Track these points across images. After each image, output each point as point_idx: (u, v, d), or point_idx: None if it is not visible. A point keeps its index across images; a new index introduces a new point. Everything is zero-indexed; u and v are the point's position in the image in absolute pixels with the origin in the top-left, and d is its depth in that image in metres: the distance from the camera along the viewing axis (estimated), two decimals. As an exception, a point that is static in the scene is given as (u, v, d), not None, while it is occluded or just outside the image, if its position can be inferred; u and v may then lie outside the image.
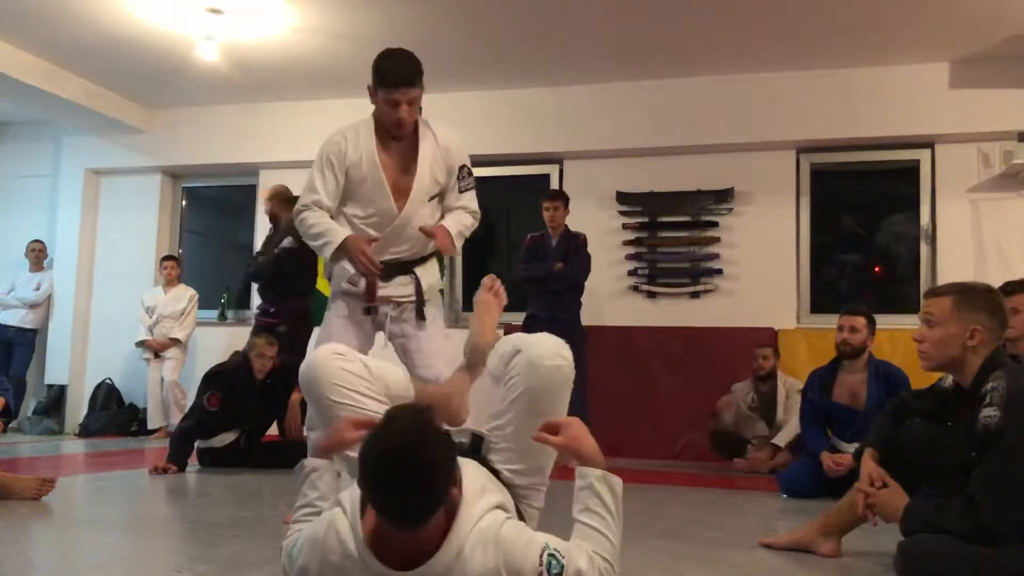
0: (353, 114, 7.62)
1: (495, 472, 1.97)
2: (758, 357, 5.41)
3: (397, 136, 2.83)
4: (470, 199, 2.96)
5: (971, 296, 2.33)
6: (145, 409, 7.24)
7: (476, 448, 2.04)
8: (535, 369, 1.99)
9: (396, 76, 2.70)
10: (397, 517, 1.55)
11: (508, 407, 2.01)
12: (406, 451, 1.51)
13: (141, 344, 7.06)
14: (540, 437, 1.83)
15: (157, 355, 7.02)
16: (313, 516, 1.95)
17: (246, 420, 4.82)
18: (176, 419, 6.41)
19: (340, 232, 2.80)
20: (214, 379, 4.77)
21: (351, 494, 1.68)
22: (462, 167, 2.93)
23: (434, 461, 1.52)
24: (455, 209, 2.93)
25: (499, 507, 1.70)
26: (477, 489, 1.70)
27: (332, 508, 1.76)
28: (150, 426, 7.00)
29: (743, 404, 5.41)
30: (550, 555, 1.59)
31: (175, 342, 7.04)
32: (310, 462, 2.02)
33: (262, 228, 7.38)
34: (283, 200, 5.48)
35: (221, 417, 4.69)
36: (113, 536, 2.81)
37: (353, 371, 2.14)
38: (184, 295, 7.17)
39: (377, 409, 2.09)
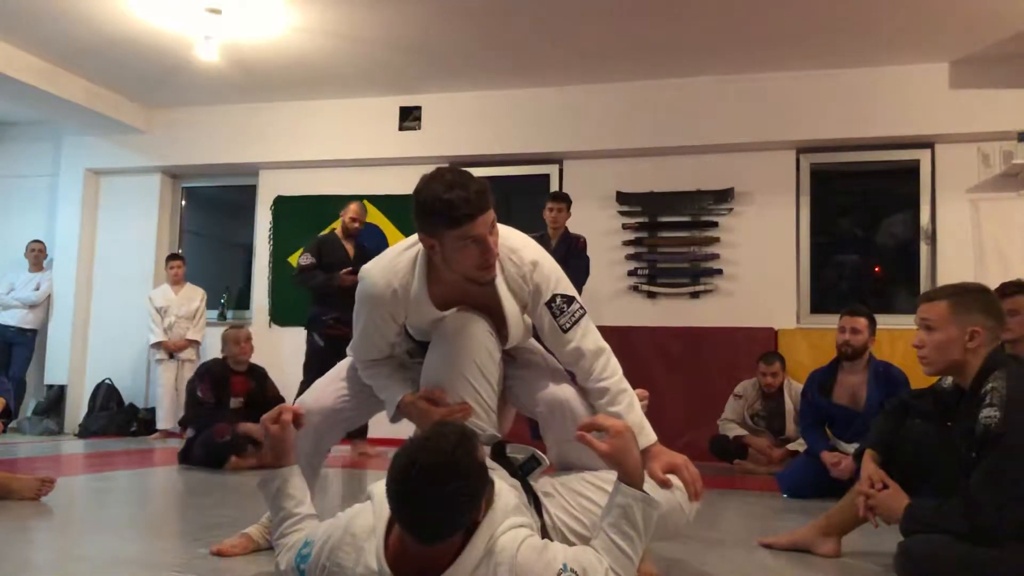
0: (352, 114, 7.66)
1: (536, 500, 1.94)
2: (766, 375, 5.28)
3: (484, 281, 2.08)
4: (582, 335, 2.11)
5: (967, 298, 2.33)
6: (144, 409, 7.26)
7: (528, 470, 1.98)
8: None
9: (471, 204, 1.92)
10: (410, 529, 1.55)
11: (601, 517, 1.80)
12: (430, 470, 1.50)
13: (157, 346, 7.06)
14: (583, 438, 1.78)
15: (171, 356, 7.03)
16: (299, 524, 1.94)
17: (226, 410, 4.95)
18: None
19: (395, 391, 2.19)
20: (202, 374, 5.10)
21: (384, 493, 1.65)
22: (553, 297, 2.10)
23: (459, 489, 1.50)
24: (581, 362, 2.10)
25: (521, 527, 1.68)
26: (509, 508, 1.68)
27: (363, 502, 1.75)
28: (159, 426, 7.02)
29: (747, 416, 5.38)
30: None
31: (192, 343, 7.05)
32: (274, 473, 2.01)
33: (262, 228, 7.40)
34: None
35: (214, 406, 4.96)
36: (113, 536, 2.81)
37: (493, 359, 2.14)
38: (196, 295, 7.19)
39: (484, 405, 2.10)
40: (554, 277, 2.12)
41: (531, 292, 2.11)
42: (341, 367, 2.40)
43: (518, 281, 2.10)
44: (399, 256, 2.13)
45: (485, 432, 2.07)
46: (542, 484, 2.03)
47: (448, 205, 1.90)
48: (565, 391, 2.16)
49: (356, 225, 5.92)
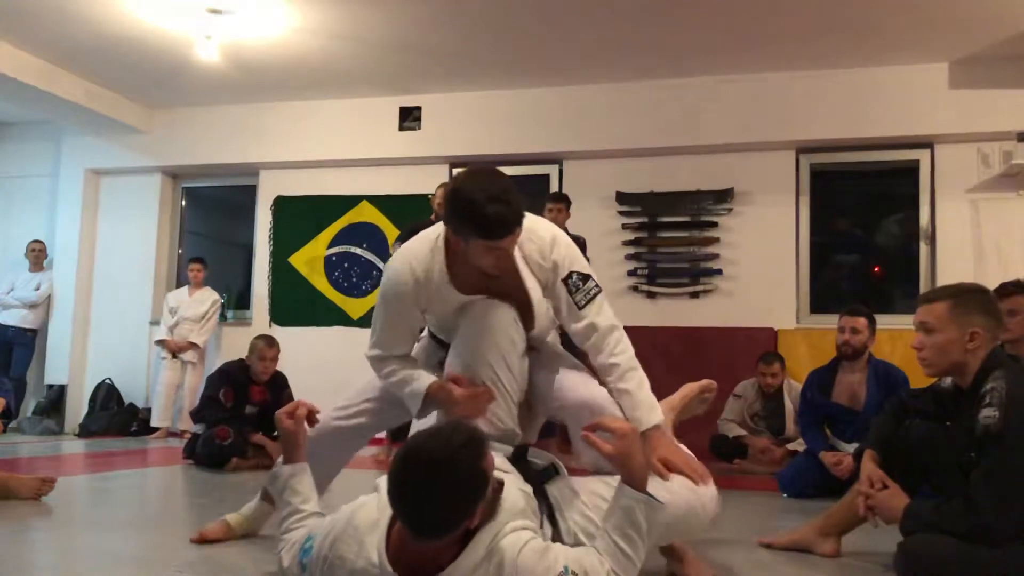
0: (352, 114, 7.63)
1: (550, 507, 1.93)
2: (766, 375, 5.30)
3: (492, 275, 2.11)
4: (597, 312, 2.14)
5: (966, 299, 2.32)
6: (146, 409, 7.25)
7: (545, 477, 1.97)
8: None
9: (508, 225, 1.94)
10: (403, 518, 1.55)
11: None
12: (431, 461, 1.49)
13: (160, 343, 7.08)
14: (588, 438, 1.78)
15: (174, 356, 7.03)
16: (304, 520, 1.94)
17: (240, 420, 4.91)
18: (185, 423, 6.44)
19: (422, 381, 2.17)
20: (224, 376, 5.02)
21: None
22: (570, 274, 2.14)
23: (455, 487, 1.50)
24: (594, 338, 2.14)
25: (525, 529, 1.67)
26: (516, 511, 1.67)
27: (368, 495, 1.75)
28: (154, 423, 7.01)
29: (747, 416, 5.39)
30: None
31: (193, 345, 7.04)
32: (284, 468, 2.02)
33: (262, 228, 7.41)
34: None
35: (231, 410, 4.93)
36: (113, 536, 2.81)
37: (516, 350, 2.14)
38: (208, 299, 7.18)
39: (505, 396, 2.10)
40: (570, 254, 2.15)
41: (549, 269, 2.14)
42: (365, 383, 2.41)
43: (537, 259, 2.13)
44: (419, 243, 2.15)
45: (504, 424, 2.08)
46: (562, 488, 2.00)
47: (486, 222, 1.91)
48: (594, 390, 2.17)
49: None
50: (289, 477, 2.00)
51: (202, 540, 2.51)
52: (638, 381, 2.11)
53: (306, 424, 2.07)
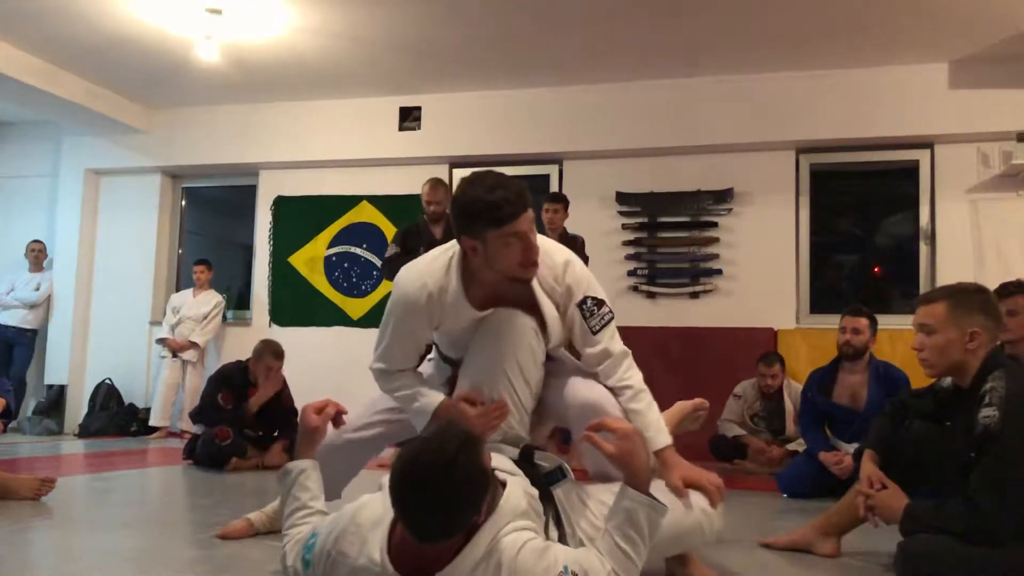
0: (352, 114, 7.62)
1: (556, 510, 1.91)
2: (766, 376, 5.30)
3: (526, 278, 2.09)
4: (610, 337, 2.16)
5: (965, 299, 2.33)
6: (146, 409, 7.24)
7: (552, 480, 1.96)
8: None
9: (514, 204, 1.95)
10: (408, 527, 1.55)
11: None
12: (430, 471, 1.49)
13: (161, 342, 7.09)
14: (590, 439, 1.77)
15: (175, 355, 7.03)
16: (310, 517, 1.95)
17: (240, 422, 4.90)
18: (185, 423, 6.44)
19: (431, 398, 2.17)
20: (221, 380, 5.02)
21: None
22: (584, 299, 2.14)
23: (458, 492, 1.50)
24: (607, 363, 2.15)
25: (525, 530, 1.67)
26: (518, 511, 1.67)
27: (372, 494, 1.75)
28: (153, 423, 7.00)
29: (747, 416, 5.39)
30: None
31: (193, 345, 7.04)
32: (296, 464, 2.03)
33: (262, 228, 7.41)
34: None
35: (231, 411, 4.92)
36: (113, 536, 2.81)
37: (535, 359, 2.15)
38: (211, 300, 7.17)
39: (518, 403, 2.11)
40: (585, 279, 2.16)
41: (563, 293, 2.14)
42: (377, 397, 2.41)
43: (550, 282, 2.13)
44: (433, 260, 2.15)
45: (513, 431, 2.08)
46: (569, 493, 1.99)
47: (491, 206, 1.93)
48: (597, 392, 2.16)
49: (432, 208, 5.41)
50: (300, 473, 2.01)
51: (225, 537, 2.58)
52: (648, 402, 2.13)
53: (330, 424, 2.08)
